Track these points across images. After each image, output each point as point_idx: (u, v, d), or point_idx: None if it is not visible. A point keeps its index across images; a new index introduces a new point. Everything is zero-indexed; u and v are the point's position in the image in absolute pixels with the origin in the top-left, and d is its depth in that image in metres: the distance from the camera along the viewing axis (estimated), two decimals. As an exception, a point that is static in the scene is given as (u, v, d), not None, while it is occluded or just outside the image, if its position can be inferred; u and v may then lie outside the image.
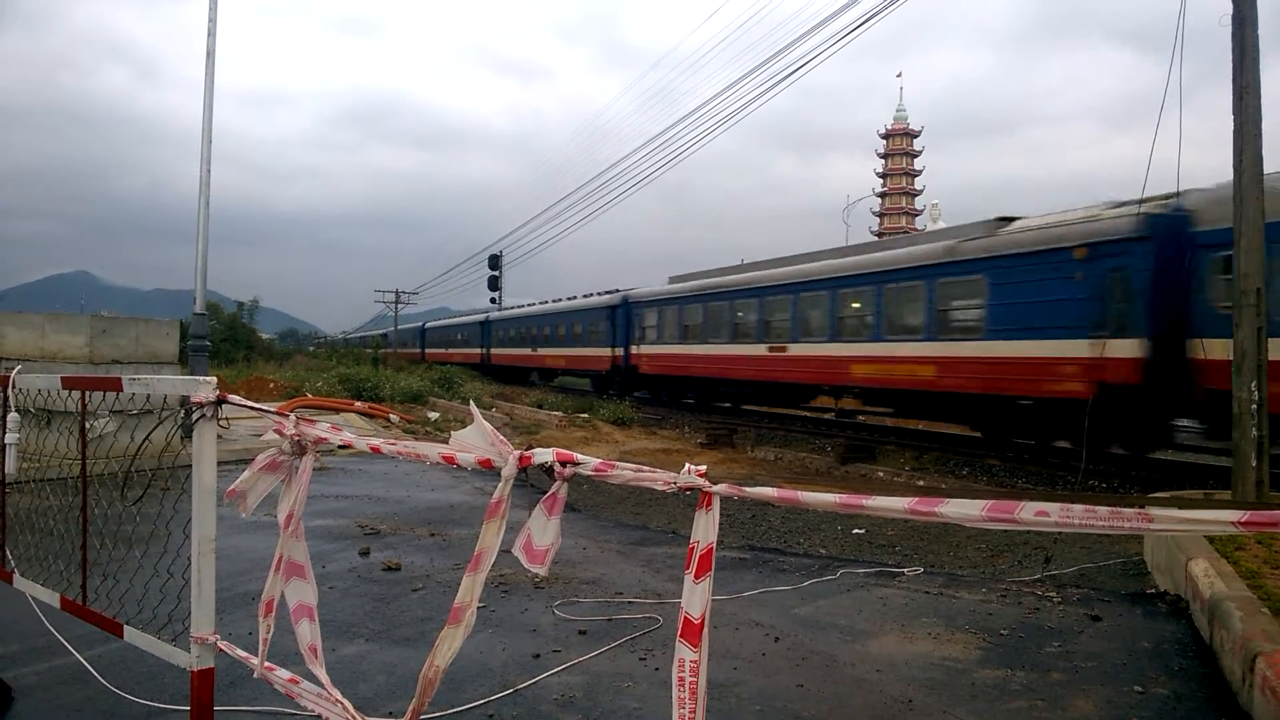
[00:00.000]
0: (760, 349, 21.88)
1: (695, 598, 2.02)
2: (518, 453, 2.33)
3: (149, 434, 3.41)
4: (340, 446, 2.98)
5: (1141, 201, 11.38)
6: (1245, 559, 5.25)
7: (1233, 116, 7.35)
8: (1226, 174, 7.61)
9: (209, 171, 13.41)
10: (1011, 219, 15.58)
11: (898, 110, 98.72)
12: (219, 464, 2.94)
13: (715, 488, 2.01)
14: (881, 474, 15.33)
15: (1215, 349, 9.84)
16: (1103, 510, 1.53)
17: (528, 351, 41.83)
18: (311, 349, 70.47)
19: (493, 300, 50.63)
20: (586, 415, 22.27)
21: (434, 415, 20.85)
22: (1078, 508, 1.54)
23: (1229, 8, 7.47)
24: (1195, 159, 8.34)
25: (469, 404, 2.90)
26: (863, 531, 8.33)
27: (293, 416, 2.94)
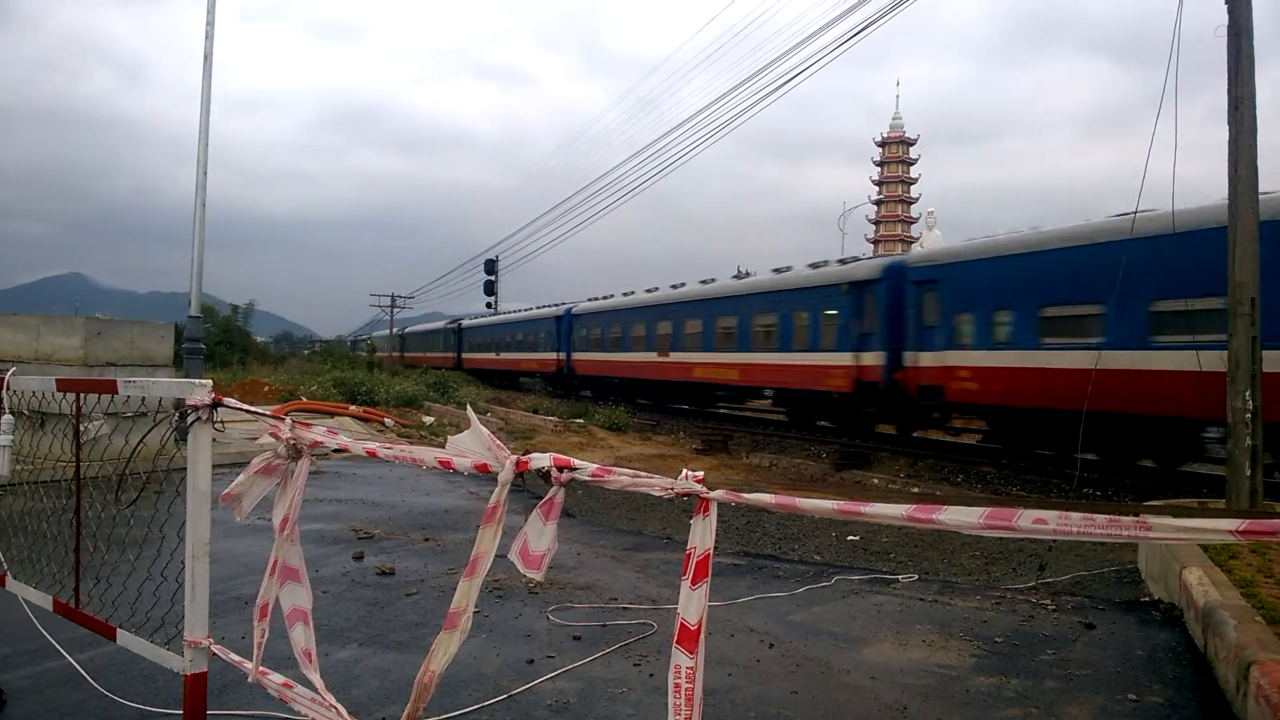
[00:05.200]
0: None
1: (692, 604, 2.02)
2: (515, 458, 2.33)
3: (143, 437, 3.40)
4: (335, 450, 2.98)
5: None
6: (1239, 568, 5.26)
7: (1228, 127, 7.38)
8: (1207, 184, 7.61)
9: (205, 174, 13.35)
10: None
11: (894, 118, 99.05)
12: (213, 467, 2.93)
13: (712, 494, 2.01)
14: (876, 481, 15.35)
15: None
16: (1100, 518, 1.53)
17: (653, 358, 27.49)
18: (306, 352, 69.66)
19: (489, 305, 49.94)
20: (582, 420, 22.27)
21: (429, 420, 20.81)
22: (1075, 515, 1.54)
23: (1215, 18, 7.51)
24: (1170, 166, 8.34)
25: (465, 409, 2.90)
26: (857, 538, 8.33)
27: (288, 420, 2.94)
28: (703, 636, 2.02)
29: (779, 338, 21.46)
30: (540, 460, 2.26)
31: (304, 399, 20.75)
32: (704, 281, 26.89)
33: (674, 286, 28.18)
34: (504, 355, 42.58)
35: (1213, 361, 8.88)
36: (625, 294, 32.19)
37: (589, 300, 35.55)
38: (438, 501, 9.52)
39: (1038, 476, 14.77)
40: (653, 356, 27.51)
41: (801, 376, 20.51)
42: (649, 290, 30.58)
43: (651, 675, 4.11)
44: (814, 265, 21.17)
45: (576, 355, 34.13)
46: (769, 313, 22.03)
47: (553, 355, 36.12)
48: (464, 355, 48.13)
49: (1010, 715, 3.79)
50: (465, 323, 50.71)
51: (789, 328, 21.10)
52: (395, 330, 63.59)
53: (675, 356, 26.25)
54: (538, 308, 41.14)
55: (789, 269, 22.80)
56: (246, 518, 3.07)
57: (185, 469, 2.88)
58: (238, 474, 2.98)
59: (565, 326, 35.33)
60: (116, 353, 11.15)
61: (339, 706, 2.80)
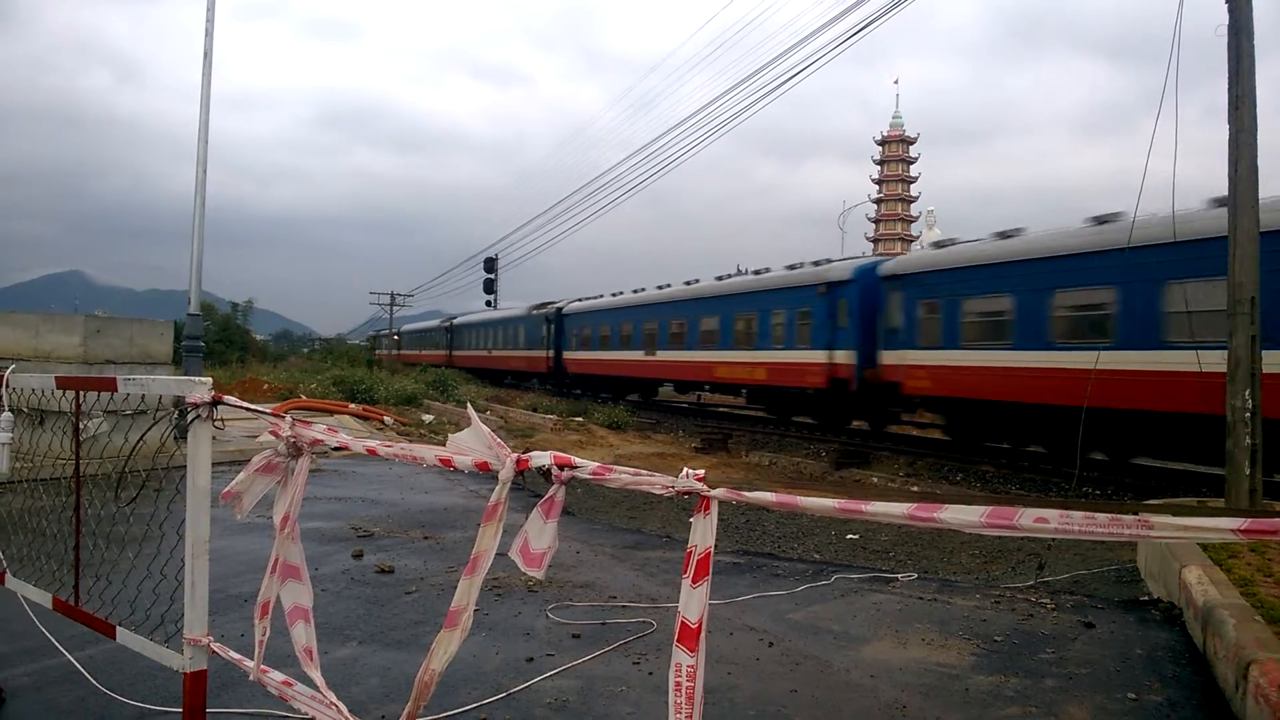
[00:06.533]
0: None
1: (692, 602, 2.02)
2: (515, 455, 2.33)
3: (143, 434, 3.39)
4: (335, 448, 2.98)
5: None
6: (1238, 566, 5.26)
7: (1228, 125, 7.38)
8: (1204, 182, 7.57)
9: (205, 172, 13.34)
10: None
11: (894, 117, 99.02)
12: (213, 465, 2.93)
13: (713, 492, 2.01)
14: (875, 479, 15.35)
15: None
16: (1102, 517, 1.53)
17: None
18: (306, 350, 69.26)
19: (488, 303, 49.40)
20: (581, 419, 22.26)
21: (429, 418, 20.81)
22: (1077, 514, 1.54)
23: (1214, 19, 7.52)
24: (1166, 166, 8.32)
25: (465, 407, 2.89)
26: (857, 537, 8.33)
27: (288, 418, 2.93)
28: (703, 635, 2.02)
29: None
30: (541, 458, 2.26)
31: (303, 397, 20.75)
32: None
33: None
34: (664, 355, 26.83)
35: None
36: (1063, 225, 14.92)
37: (935, 247, 19.11)
38: (438, 500, 9.51)
39: (1036, 475, 14.79)
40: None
41: None
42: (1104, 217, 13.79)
43: (651, 674, 4.11)
44: None
45: (895, 356, 17.85)
46: None
47: (818, 355, 20.00)
48: (566, 355, 32.76)
49: (1009, 714, 3.79)
50: (570, 307, 33.85)
51: None
52: (441, 321, 51.82)
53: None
54: (752, 273, 25.07)
55: None
56: (247, 516, 3.06)
57: (185, 467, 2.88)
58: (238, 472, 2.98)
59: (857, 302, 19.33)
60: (116, 350, 11.14)
61: (339, 704, 2.80)
